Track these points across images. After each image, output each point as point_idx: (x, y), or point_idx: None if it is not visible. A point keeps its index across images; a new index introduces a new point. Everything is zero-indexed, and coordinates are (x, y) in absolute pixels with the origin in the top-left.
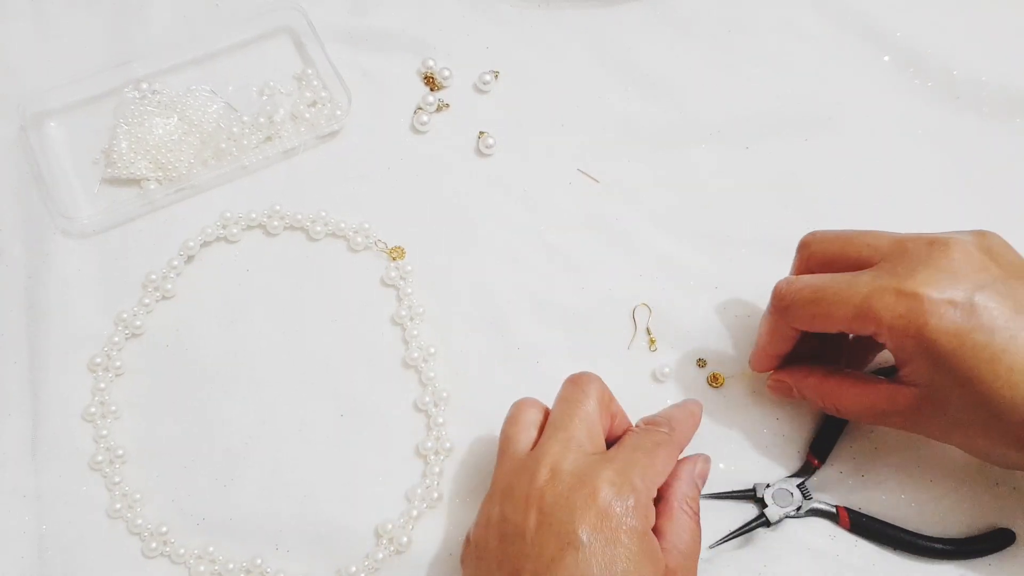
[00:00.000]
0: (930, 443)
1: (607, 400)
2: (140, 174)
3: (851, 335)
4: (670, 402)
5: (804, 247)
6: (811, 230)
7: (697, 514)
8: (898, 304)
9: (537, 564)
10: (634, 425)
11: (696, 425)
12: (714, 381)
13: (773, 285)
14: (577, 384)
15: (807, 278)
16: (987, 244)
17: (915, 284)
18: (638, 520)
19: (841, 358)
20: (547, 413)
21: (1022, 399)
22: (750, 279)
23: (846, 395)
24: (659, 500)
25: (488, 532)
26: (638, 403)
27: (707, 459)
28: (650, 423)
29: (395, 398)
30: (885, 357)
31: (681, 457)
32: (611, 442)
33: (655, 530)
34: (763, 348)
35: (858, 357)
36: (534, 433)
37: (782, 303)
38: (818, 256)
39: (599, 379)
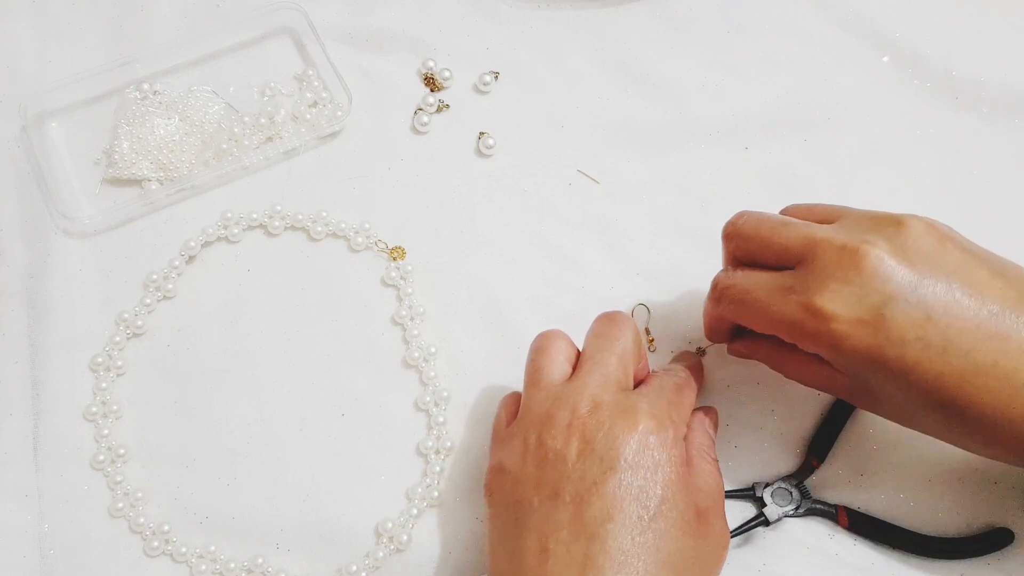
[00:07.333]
0: (929, 442)
1: (639, 342)
2: (141, 174)
3: None
4: None
5: (728, 240)
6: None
7: (716, 461)
8: (810, 321)
9: (579, 486)
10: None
11: (703, 373)
12: None
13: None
14: (614, 322)
15: (740, 276)
16: (903, 242)
17: (823, 301)
18: (677, 451)
19: None
20: (575, 347)
21: (949, 399)
22: None
23: (791, 368)
24: None
25: (525, 458)
26: None
27: (714, 411)
28: (668, 369)
29: (396, 398)
30: None
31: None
32: (635, 384)
33: None
34: (708, 326)
35: None
36: (568, 367)
37: (715, 295)
38: (742, 255)
39: (632, 320)
